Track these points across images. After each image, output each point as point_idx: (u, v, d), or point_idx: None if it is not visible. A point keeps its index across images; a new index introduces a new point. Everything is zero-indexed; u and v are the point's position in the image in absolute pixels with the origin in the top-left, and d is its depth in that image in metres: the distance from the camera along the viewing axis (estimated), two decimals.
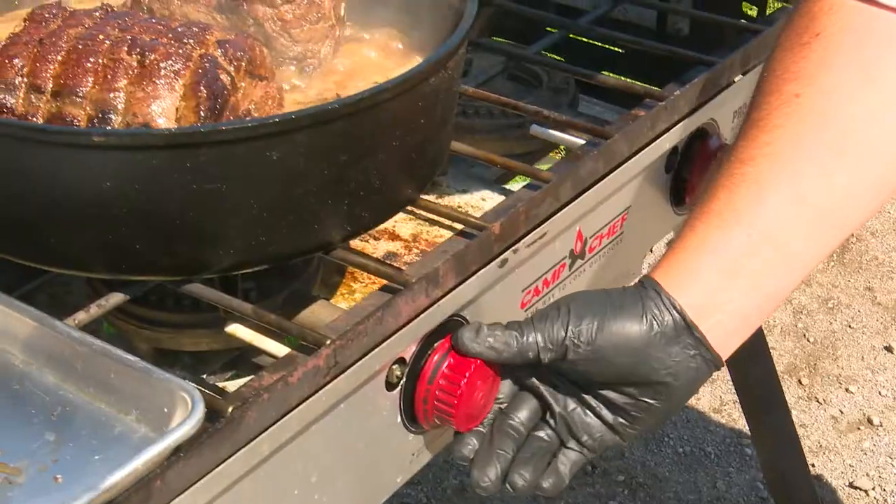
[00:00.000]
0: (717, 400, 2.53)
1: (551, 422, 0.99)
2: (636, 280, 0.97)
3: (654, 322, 0.92)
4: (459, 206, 1.30)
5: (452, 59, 0.98)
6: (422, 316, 0.97)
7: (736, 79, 1.28)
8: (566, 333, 0.94)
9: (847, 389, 2.55)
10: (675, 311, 0.92)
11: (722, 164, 0.92)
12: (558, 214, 1.09)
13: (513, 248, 1.04)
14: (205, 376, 1.09)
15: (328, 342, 0.89)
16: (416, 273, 0.97)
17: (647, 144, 1.18)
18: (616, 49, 1.52)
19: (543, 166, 1.52)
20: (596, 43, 1.47)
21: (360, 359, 0.93)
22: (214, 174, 0.89)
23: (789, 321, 2.74)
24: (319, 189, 0.93)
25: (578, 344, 0.94)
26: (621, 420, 0.97)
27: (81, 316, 0.94)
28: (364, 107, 0.91)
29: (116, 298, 0.96)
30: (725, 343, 0.94)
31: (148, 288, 0.99)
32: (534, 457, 0.98)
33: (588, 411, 0.98)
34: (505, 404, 1.01)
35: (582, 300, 0.95)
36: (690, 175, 1.30)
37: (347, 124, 0.91)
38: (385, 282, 0.98)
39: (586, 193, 1.12)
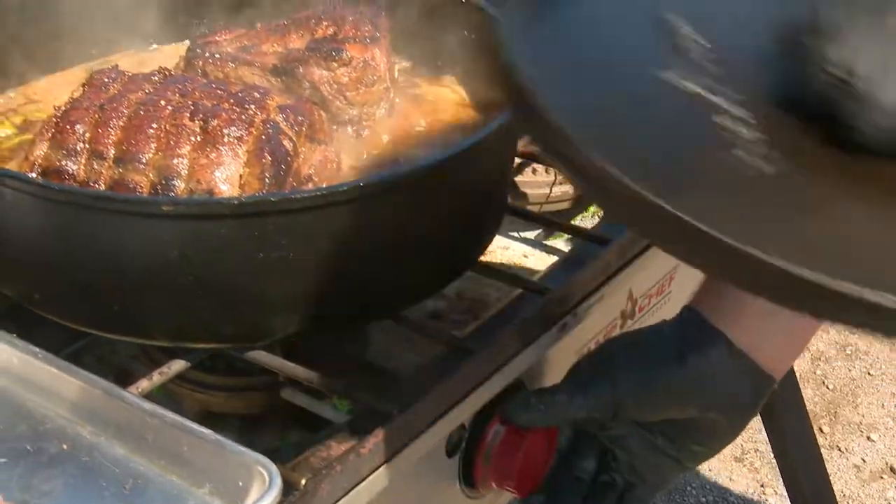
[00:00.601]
0: (739, 449, 2.51)
1: (614, 464, 0.98)
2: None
3: (700, 359, 0.92)
4: (503, 264, 1.29)
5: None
6: (487, 383, 0.96)
7: None
8: (612, 396, 0.93)
9: (868, 437, 2.54)
10: (720, 341, 0.91)
11: None
12: (616, 277, 1.08)
13: (573, 311, 1.04)
14: (255, 440, 1.09)
15: (397, 411, 0.88)
16: (481, 340, 0.96)
17: None
18: None
19: (577, 218, 1.52)
20: None
21: (426, 428, 0.92)
22: (281, 242, 0.88)
23: (808, 368, 2.73)
24: (384, 255, 0.93)
25: (626, 402, 0.93)
26: (684, 452, 0.96)
27: (144, 384, 0.93)
28: (432, 174, 0.91)
29: (178, 366, 0.95)
30: (777, 360, 0.93)
31: (208, 354, 0.98)
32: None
33: (649, 448, 0.97)
34: (564, 451, 1.00)
35: (620, 357, 0.95)
36: None
37: (415, 192, 0.91)
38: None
39: (641, 255, 1.11)
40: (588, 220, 2.03)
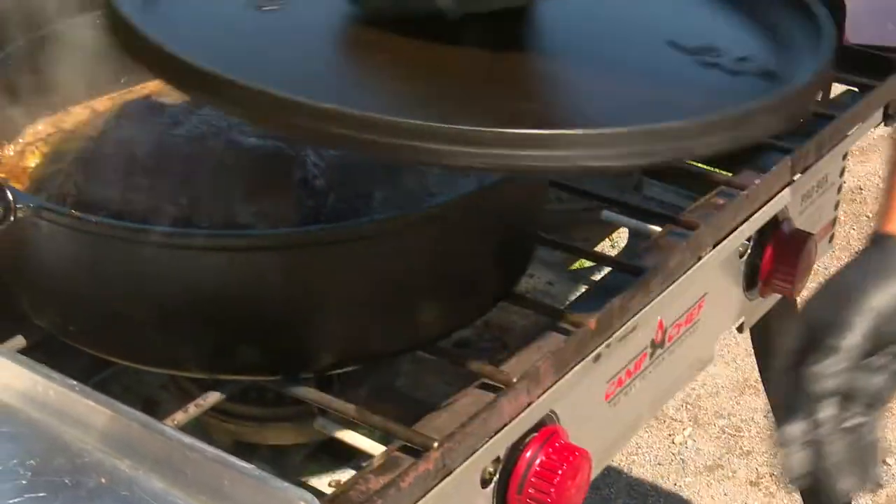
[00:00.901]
0: (754, 473, 2.51)
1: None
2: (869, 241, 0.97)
3: None
4: (528, 292, 1.29)
5: None
6: (522, 415, 0.96)
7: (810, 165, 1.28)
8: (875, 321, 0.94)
9: (884, 461, 2.53)
10: None
11: None
12: (647, 307, 1.08)
13: (606, 342, 1.03)
14: (286, 469, 1.08)
15: (436, 445, 0.88)
16: (516, 372, 0.96)
17: (730, 233, 1.17)
18: None
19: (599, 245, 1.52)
20: None
21: (464, 461, 0.91)
22: (323, 275, 0.88)
23: None
24: (422, 287, 0.93)
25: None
26: None
27: (180, 416, 0.93)
28: (468, 206, 0.91)
29: (214, 398, 0.95)
30: None
31: (244, 386, 0.98)
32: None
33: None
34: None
35: (866, 282, 0.95)
36: (763, 260, 1.29)
37: (453, 223, 0.91)
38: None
39: (672, 284, 1.11)
40: (611, 247, 2.03)
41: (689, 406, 2.64)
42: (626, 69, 0.89)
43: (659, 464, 2.52)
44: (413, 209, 0.89)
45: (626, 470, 2.47)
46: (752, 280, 1.31)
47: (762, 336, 1.59)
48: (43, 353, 1.00)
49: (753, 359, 2.70)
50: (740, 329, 1.37)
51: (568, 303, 1.34)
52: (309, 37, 0.92)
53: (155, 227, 0.86)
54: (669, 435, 2.58)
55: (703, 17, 1.00)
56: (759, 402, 2.66)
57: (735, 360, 2.75)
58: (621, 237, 1.59)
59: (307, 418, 1.04)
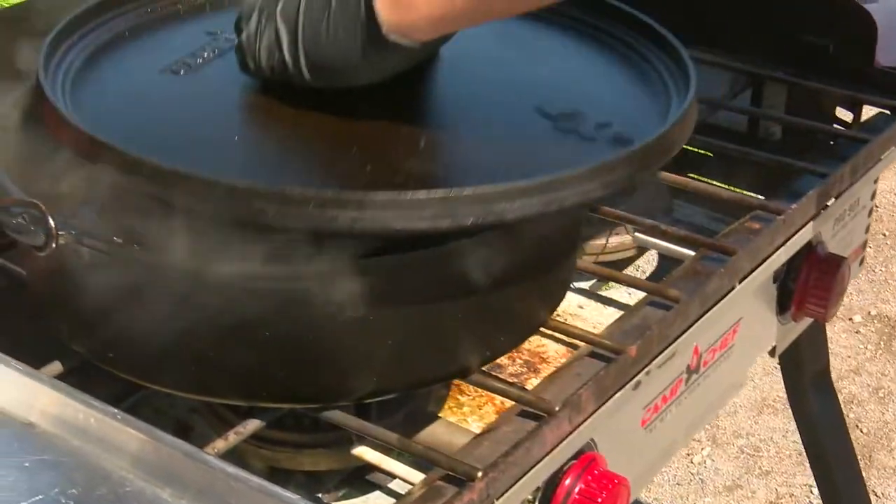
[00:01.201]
0: (773, 493, 2.50)
1: None
2: None
3: None
4: (559, 315, 1.28)
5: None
6: (563, 443, 0.95)
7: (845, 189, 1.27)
8: None
9: None
10: None
11: None
12: (685, 334, 1.07)
13: (646, 370, 1.03)
14: (320, 495, 1.08)
15: (480, 474, 0.87)
16: (557, 400, 0.95)
17: (766, 259, 1.17)
18: (701, 151, 1.51)
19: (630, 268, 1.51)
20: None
21: (506, 490, 0.91)
22: (365, 301, 0.87)
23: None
24: (464, 315, 0.92)
25: None
26: None
27: (220, 444, 0.92)
28: (512, 234, 0.90)
29: (254, 425, 0.94)
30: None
31: (283, 413, 0.97)
32: None
33: None
34: None
35: None
36: (797, 284, 1.28)
37: (496, 248, 0.90)
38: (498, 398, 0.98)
39: (711, 311, 1.10)
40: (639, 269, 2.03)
41: (707, 426, 2.63)
42: (487, 133, 0.95)
43: (678, 484, 2.51)
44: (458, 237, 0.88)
45: (645, 490, 2.46)
46: (785, 304, 1.31)
47: (791, 359, 1.59)
48: (74, 376, 1.00)
49: (772, 378, 2.71)
50: (772, 353, 1.36)
51: (601, 327, 1.34)
52: (211, 102, 1.00)
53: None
54: (688, 455, 2.57)
55: (583, 80, 1.07)
56: (777, 421, 2.65)
57: (753, 379, 2.74)
58: (648, 262, 1.58)
59: (344, 444, 1.03)
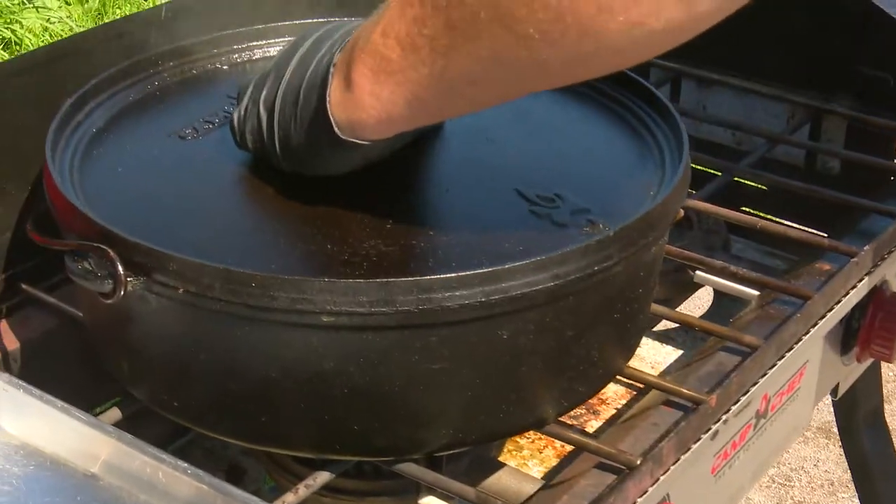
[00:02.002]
0: None
1: None
2: None
3: None
4: None
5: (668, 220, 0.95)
6: (643, 498, 0.92)
7: None
8: None
9: None
10: None
11: None
12: (759, 382, 1.04)
13: (724, 419, 1.00)
14: None
15: None
16: (638, 453, 0.92)
17: (839, 302, 1.14)
18: (756, 185, 1.49)
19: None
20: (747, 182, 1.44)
21: None
22: (443, 354, 0.85)
23: None
24: (544, 365, 0.89)
25: None
26: None
27: (290, 498, 0.89)
28: (598, 280, 0.87)
29: (323, 478, 0.91)
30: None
31: (352, 464, 0.94)
32: None
33: None
34: None
35: None
36: (863, 326, 1.25)
37: (582, 296, 0.87)
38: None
39: (785, 357, 1.07)
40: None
41: None
42: (460, 215, 0.95)
43: None
44: (546, 284, 0.85)
45: None
46: (849, 344, 1.28)
47: (845, 397, 1.55)
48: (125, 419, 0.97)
49: None
50: (834, 393, 1.33)
51: (659, 367, 1.31)
52: (201, 171, 1.01)
53: (275, 306, 0.82)
54: None
55: (573, 155, 1.04)
56: (808, 450, 2.62)
57: None
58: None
59: (408, 493, 1.00)
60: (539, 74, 0.79)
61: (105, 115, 1.06)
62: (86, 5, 3.78)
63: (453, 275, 0.82)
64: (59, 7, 3.78)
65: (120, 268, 0.85)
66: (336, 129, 0.88)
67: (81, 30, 3.60)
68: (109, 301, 0.86)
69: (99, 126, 1.04)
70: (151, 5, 3.71)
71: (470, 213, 0.94)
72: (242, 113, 0.97)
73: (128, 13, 3.73)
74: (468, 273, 0.82)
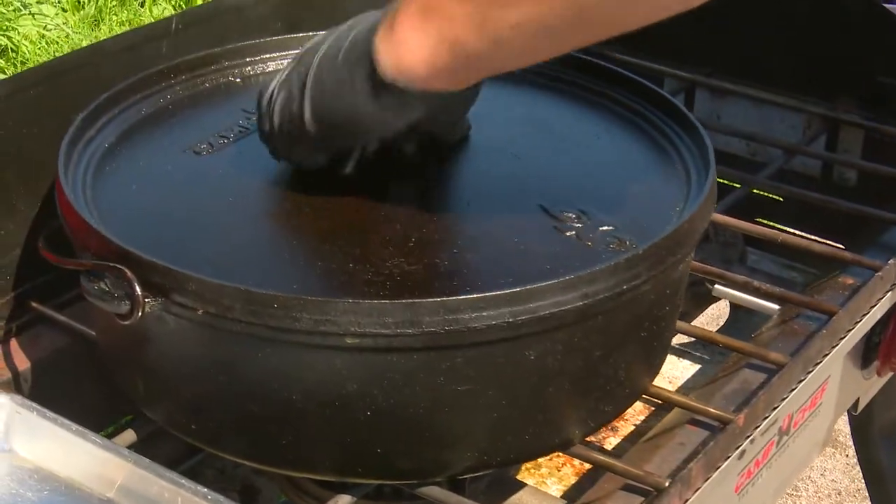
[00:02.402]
0: None
1: None
2: None
3: None
4: None
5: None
6: None
7: None
8: None
9: None
10: None
11: None
12: (785, 401, 1.02)
13: (750, 438, 0.98)
14: None
15: None
16: (664, 472, 0.90)
17: (863, 317, 1.12)
18: (772, 196, 1.47)
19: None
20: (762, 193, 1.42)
21: None
22: (469, 375, 0.83)
23: None
24: (571, 385, 0.87)
25: None
26: None
27: None
28: (627, 299, 0.85)
29: (345, 500, 0.89)
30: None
31: (373, 487, 0.92)
32: None
33: None
34: None
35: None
36: (884, 340, 1.23)
37: (610, 317, 0.85)
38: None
39: (811, 374, 1.05)
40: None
41: None
42: (487, 232, 0.93)
43: None
44: (574, 303, 0.83)
45: None
46: (870, 358, 1.26)
47: (862, 410, 1.53)
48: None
49: None
50: (854, 408, 1.31)
51: (677, 381, 1.29)
52: (217, 188, 0.98)
53: (298, 328, 0.80)
54: None
55: (599, 172, 1.02)
56: (816, 460, 2.60)
57: None
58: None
59: None
60: (582, 19, 0.78)
61: (117, 129, 1.04)
62: (82, 12, 3.76)
63: (480, 295, 0.80)
64: (56, 14, 3.75)
65: (138, 288, 0.82)
66: (378, 69, 0.86)
67: (78, 37, 3.58)
68: (126, 322, 0.84)
69: (111, 141, 1.02)
70: (148, 12, 3.69)
71: (494, 229, 0.92)
72: (274, 88, 0.94)
73: (124, 19, 3.71)
74: (495, 293, 0.80)
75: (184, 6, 3.74)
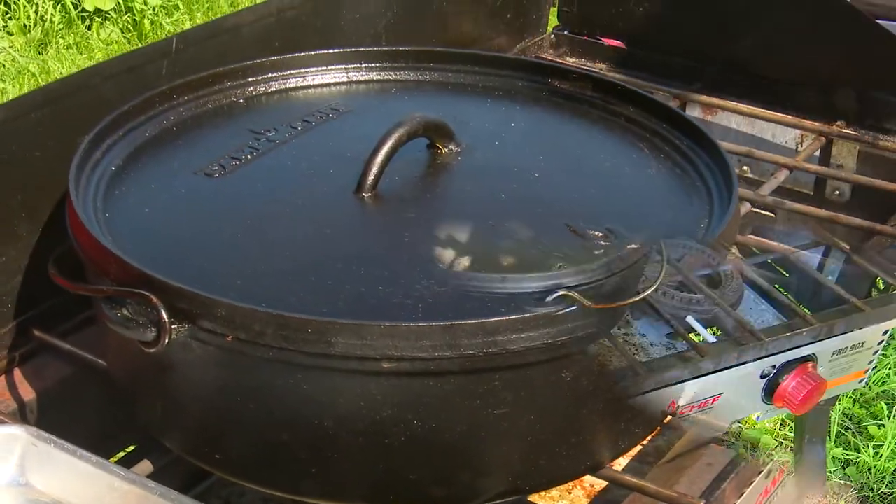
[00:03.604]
0: None
1: None
2: None
3: None
4: None
5: None
6: None
7: None
8: None
9: None
10: None
11: None
12: None
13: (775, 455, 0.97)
14: None
15: None
16: (695, 493, 0.89)
17: None
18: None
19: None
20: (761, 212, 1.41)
21: None
22: (506, 398, 0.81)
23: None
24: (604, 407, 0.86)
25: None
26: None
27: None
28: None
29: None
30: None
31: None
32: None
33: None
34: None
35: None
36: None
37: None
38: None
39: None
40: None
41: None
42: (515, 252, 0.91)
43: None
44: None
45: None
46: None
47: None
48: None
49: None
50: None
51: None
52: (230, 212, 0.96)
53: (333, 352, 0.78)
54: None
55: (623, 193, 1.01)
56: None
57: None
58: None
59: None
60: None
61: (122, 152, 1.01)
62: (28, 35, 3.70)
63: (519, 316, 0.78)
64: (1, 38, 3.69)
65: (164, 315, 0.80)
66: None
67: (25, 60, 3.51)
68: (152, 350, 0.81)
69: (117, 164, 1.00)
70: (95, 35, 3.64)
71: (522, 249, 0.91)
72: None
73: (71, 42, 3.65)
74: (534, 314, 0.79)
75: (132, 29, 3.69)
